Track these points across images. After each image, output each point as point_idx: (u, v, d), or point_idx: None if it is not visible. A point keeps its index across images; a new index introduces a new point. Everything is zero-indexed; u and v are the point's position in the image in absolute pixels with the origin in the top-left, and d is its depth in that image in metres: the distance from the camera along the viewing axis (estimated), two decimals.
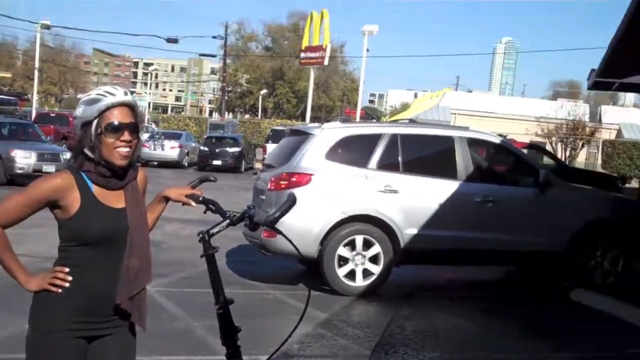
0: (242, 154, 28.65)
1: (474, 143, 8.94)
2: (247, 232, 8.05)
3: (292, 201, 2.91)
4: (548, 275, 9.58)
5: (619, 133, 50.20)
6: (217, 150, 28.19)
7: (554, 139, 42.68)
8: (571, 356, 6.16)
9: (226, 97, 60.66)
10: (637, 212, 9.06)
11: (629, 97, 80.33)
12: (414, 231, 8.03)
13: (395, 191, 8.03)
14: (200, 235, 2.78)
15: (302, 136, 8.46)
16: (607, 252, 8.62)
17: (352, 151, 8.32)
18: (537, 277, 9.66)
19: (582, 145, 42.62)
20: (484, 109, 52.42)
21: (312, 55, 34.02)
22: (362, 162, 8.16)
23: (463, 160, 8.40)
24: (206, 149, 28.44)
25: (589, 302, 7.94)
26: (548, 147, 38.80)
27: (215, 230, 2.81)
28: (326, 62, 37.63)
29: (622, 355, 6.28)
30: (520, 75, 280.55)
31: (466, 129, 9.20)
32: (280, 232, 3.08)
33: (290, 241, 3.28)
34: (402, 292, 8.25)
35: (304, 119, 44.32)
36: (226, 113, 59.62)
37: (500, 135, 15.48)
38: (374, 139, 8.30)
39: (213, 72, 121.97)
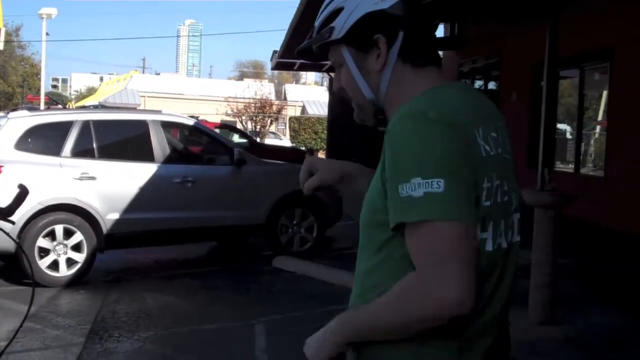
0: None
1: (168, 126, 9.17)
2: None
3: (22, 192, 2.90)
4: (252, 246, 10.18)
5: (304, 109, 53.64)
6: None
7: (243, 117, 44.34)
8: (277, 317, 6.64)
9: None
10: None
11: (310, 75, 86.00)
12: (115, 216, 8.04)
13: (92, 178, 7.96)
14: None
15: None
16: (302, 221, 9.34)
17: (44, 140, 8.07)
18: (241, 249, 10.19)
19: (271, 122, 44.85)
20: (174, 90, 52.80)
21: None
22: (55, 151, 7.97)
23: (159, 143, 8.56)
24: None
25: (290, 267, 8.57)
26: (239, 126, 40.29)
27: None
28: (1, 47, 35.15)
29: (326, 311, 6.90)
30: (207, 57, 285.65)
31: (159, 112, 9.36)
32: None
33: (6, 233, 3.23)
34: (110, 277, 8.24)
35: None
36: None
37: (193, 116, 15.91)
38: (66, 126, 8.13)
39: None
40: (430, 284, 1.36)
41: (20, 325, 3.01)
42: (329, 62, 1.74)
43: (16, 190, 2.94)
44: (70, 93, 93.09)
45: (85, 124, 8.21)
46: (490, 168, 1.48)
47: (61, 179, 7.84)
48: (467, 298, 1.34)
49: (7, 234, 3.17)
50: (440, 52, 18.62)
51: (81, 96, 72.29)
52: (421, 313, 1.37)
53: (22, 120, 7.99)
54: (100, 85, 72.46)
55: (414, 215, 1.39)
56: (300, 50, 1.81)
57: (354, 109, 1.74)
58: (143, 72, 70.81)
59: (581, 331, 5.96)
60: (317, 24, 1.72)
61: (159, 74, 73.94)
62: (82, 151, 8.12)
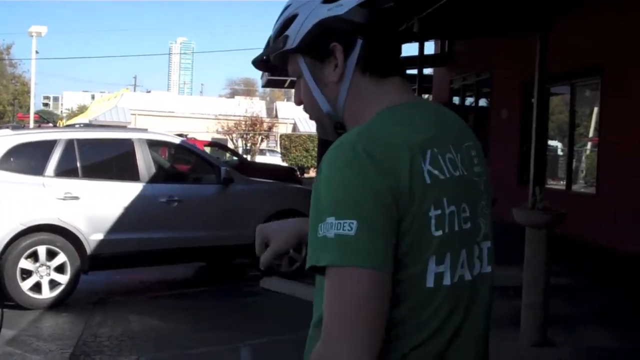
0: None
1: (154, 144, 9.05)
2: None
3: None
4: (238, 267, 10.02)
5: (295, 127, 53.61)
6: None
7: (234, 135, 44.29)
8: (264, 341, 6.49)
9: None
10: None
11: None
12: (100, 236, 7.87)
13: (76, 197, 7.80)
14: None
15: None
16: None
17: (27, 159, 7.91)
18: (227, 270, 10.03)
19: (262, 140, 44.80)
20: (165, 108, 52.76)
21: None
22: (39, 170, 7.81)
23: (145, 162, 8.42)
24: None
25: (278, 288, 8.42)
26: (230, 144, 40.21)
27: None
28: None
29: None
30: (198, 75, 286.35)
31: (145, 130, 9.24)
32: None
33: None
34: (93, 299, 8.05)
35: None
36: None
37: (181, 135, 15.82)
38: (49, 145, 7.99)
39: None
40: (327, 351, 1.28)
41: None
42: (292, 77, 1.61)
43: None
44: (61, 111, 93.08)
45: (69, 143, 8.06)
46: (439, 194, 1.35)
47: (44, 198, 7.68)
48: None
49: None
50: (431, 70, 18.64)
51: (72, 114, 72.16)
52: None
53: (5, 139, 7.84)
54: (91, 103, 72.34)
55: (324, 258, 1.29)
56: (255, 61, 1.69)
57: (315, 123, 1.62)
58: (134, 90, 70.72)
59: (575, 353, 5.83)
60: (272, 32, 1.59)
61: (150, 91, 73.81)
62: (65, 170, 7.97)
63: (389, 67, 1.51)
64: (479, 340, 1.45)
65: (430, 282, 1.33)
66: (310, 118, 1.61)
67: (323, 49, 1.49)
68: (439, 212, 1.34)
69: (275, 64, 1.63)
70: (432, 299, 1.34)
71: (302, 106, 1.62)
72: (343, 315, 1.26)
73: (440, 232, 1.34)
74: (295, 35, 1.51)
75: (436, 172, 1.36)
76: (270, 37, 1.61)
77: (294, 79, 1.61)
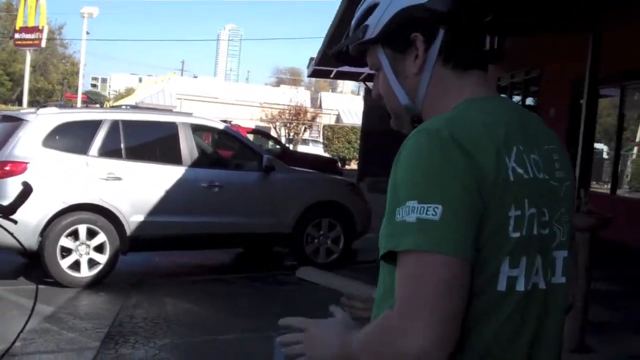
0: None
1: (198, 129, 9.08)
2: None
3: (26, 189, 2.81)
4: (275, 256, 10.03)
5: (339, 118, 53.60)
6: None
7: (277, 123, 44.40)
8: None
9: None
10: (353, 194, 9.68)
11: (347, 84, 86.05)
12: (140, 218, 7.94)
13: (118, 178, 7.88)
14: None
15: (15, 122, 7.95)
16: (329, 231, 9.14)
17: (71, 138, 7.99)
18: (265, 258, 10.05)
19: (305, 130, 44.84)
20: (210, 94, 53.11)
21: (28, 36, 32.18)
22: (83, 149, 7.90)
23: (187, 146, 8.46)
24: None
25: (314, 278, 8.38)
26: (273, 132, 40.34)
27: None
28: (43, 44, 35.72)
29: None
30: (245, 62, 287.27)
31: (190, 115, 9.28)
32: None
33: (11, 233, 3.12)
34: (131, 280, 8.12)
35: (20, 104, 41.65)
36: None
37: (225, 121, 15.87)
38: (94, 125, 8.06)
39: None
40: (397, 334, 1.20)
41: (24, 326, 2.88)
42: (366, 70, 1.57)
43: (20, 188, 2.83)
44: (109, 92, 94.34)
45: (114, 124, 8.13)
46: (521, 194, 1.29)
47: (87, 178, 7.76)
48: (434, 357, 1.18)
49: (8, 230, 3.04)
50: None
51: (119, 96, 73.06)
52: (391, 357, 1.22)
53: (51, 117, 7.94)
54: (138, 86, 73.19)
55: (404, 242, 1.22)
56: (335, 52, 1.64)
57: (391, 115, 1.57)
58: (181, 75, 71.34)
59: None
60: (353, 22, 1.55)
61: (196, 77, 74.37)
62: (109, 151, 8.04)
63: (471, 59, 1.45)
64: (552, 356, 1.40)
65: (502, 286, 1.28)
66: (388, 110, 1.56)
67: (404, 39, 1.44)
68: (518, 212, 1.28)
69: (354, 56, 1.58)
70: (503, 305, 1.28)
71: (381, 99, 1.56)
72: (421, 304, 1.19)
73: (517, 234, 1.28)
74: (376, 25, 1.47)
75: (521, 170, 1.31)
76: (350, 27, 1.56)
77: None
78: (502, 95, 1.53)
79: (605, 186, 12.60)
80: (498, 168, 1.27)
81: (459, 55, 1.43)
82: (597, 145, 12.89)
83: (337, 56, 1.66)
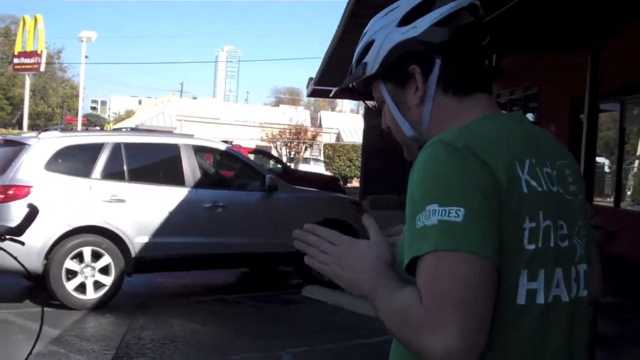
0: None
1: (200, 150, 9.11)
2: None
3: (33, 211, 2.84)
4: (281, 275, 10.03)
5: (339, 136, 53.71)
6: None
7: (278, 143, 44.49)
8: (305, 350, 6.47)
9: None
10: (357, 211, 9.69)
11: (346, 103, 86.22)
12: (144, 239, 7.95)
13: (122, 200, 7.90)
14: None
15: (18, 146, 7.98)
16: None
17: (74, 161, 8.03)
18: (270, 277, 10.04)
19: (306, 149, 44.93)
20: (210, 115, 53.27)
21: (27, 61, 32.36)
22: (85, 172, 7.93)
23: (190, 168, 8.49)
24: None
25: (320, 296, 8.39)
26: (274, 152, 40.41)
27: None
28: (42, 69, 35.90)
29: (356, 345, 6.68)
30: (244, 83, 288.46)
31: (191, 136, 9.32)
32: (2, 249, 2.95)
33: (14, 257, 3.14)
34: (137, 301, 8.13)
35: (21, 127, 41.79)
36: None
37: (226, 141, 15.93)
38: (96, 148, 8.10)
39: None
40: (424, 330, 1.20)
41: (32, 349, 2.89)
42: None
43: (26, 210, 2.85)
44: (108, 115, 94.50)
45: (116, 146, 8.17)
46: (535, 206, 1.30)
47: (90, 201, 7.78)
48: (461, 355, 1.17)
49: (11, 254, 3.06)
50: None
51: (119, 118, 73.22)
52: (413, 346, 1.23)
53: (53, 141, 7.97)
54: (138, 108, 73.34)
55: (425, 245, 1.22)
56: (340, 89, 1.68)
57: (402, 146, 1.58)
58: (181, 96, 71.52)
59: None
60: (353, 59, 1.58)
61: (196, 98, 74.60)
62: (112, 173, 8.07)
63: (472, 84, 1.46)
64: None
65: (521, 299, 1.27)
66: (399, 142, 1.58)
67: (402, 72, 1.47)
68: (533, 224, 1.29)
69: (360, 91, 1.61)
70: (524, 318, 1.28)
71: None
72: (442, 305, 1.19)
73: (533, 246, 1.28)
74: (374, 61, 1.50)
75: (534, 183, 1.31)
76: (351, 64, 1.59)
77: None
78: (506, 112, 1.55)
79: (608, 199, 12.62)
80: (511, 180, 1.28)
81: (458, 82, 1.45)
82: (599, 159, 12.92)
83: (345, 91, 1.69)
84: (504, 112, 1.51)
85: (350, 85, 1.61)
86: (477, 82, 1.48)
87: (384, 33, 1.48)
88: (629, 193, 12.49)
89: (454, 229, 1.20)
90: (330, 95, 24.45)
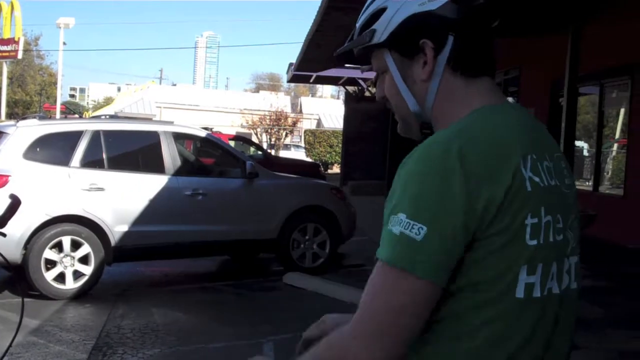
0: None
1: (179, 137, 9.05)
2: None
3: (15, 202, 2.78)
4: (262, 262, 10.01)
5: (319, 122, 53.65)
6: None
7: (258, 129, 44.36)
8: (286, 337, 6.45)
9: None
10: (337, 198, 9.67)
11: (327, 89, 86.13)
12: (124, 228, 7.90)
13: (101, 189, 7.83)
14: None
15: None
16: (315, 236, 9.11)
17: (53, 149, 7.94)
18: (251, 264, 10.02)
19: (286, 135, 44.85)
20: (190, 102, 53.00)
21: (4, 48, 32.03)
22: (64, 161, 7.85)
23: (170, 155, 8.43)
24: None
25: (301, 284, 8.38)
26: (254, 138, 40.30)
27: None
28: (20, 56, 35.51)
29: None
30: (223, 69, 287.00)
31: (171, 123, 9.25)
32: None
33: None
34: (117, 290, 8.08)
35: None
36: None
37: (206, 128, 15.83)
38: (75, 136, 8.02)
39: None
40: (351, 348, 1.27)
41: (12, 341, 2.85)
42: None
43: (8, 201, 2.80)
44: (87, 103, 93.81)
45: (95, 134, 8.09)
46: (537, 202, 1.31)
47: (69, 189, 7.71)
48: None
49: None
50: None
51: (98, 106, 72.66)
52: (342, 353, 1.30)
53: (32, 129, 7.88)
54: (117, 95, 72.81)
55: (383, 252, 1.27)
56: (339, 53, 1.62)
57: (398, 121, 1.56)
58: (160, 83, 71.07)
59: (601, 356, 5.74)
60: (358, 24, 1.53)
61: (175, 85, 74.18)
62: (91, 162, 8.00)
63: (480, 67, 1.45)
64: (563, 357, 1.41)
65: (520, 293, 1.29)
66: (395, 116, 1.56)
67: (413, 45, 1.44)
68: (535, 220, 1.30)
69: (358, 57, 1.58)
70: (521, 311, 1.30)
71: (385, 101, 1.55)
72: (382, 317, 1.24)
73: (534, 242, 1.29)
74: (384, 29, 1.46)
75: (537, 179, 1.32)
76: (354, 29, 1.55)
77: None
78: (509, 99, 1.54)
79: (587, 183, 12.69)
80: (515, 179, 1.28)
81: (469, 62, 1.43)
82: (578, 143, 12.99)
83: (340, 57, 1.64)
84: (506, 100, 1.49)
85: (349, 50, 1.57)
86: (485, 65, 1.47)
87: (399, 1, 1.44)
88: (607, 177, 12.56)
89: (411, 247, 1.23)
90: (311, 80, 24.37)
